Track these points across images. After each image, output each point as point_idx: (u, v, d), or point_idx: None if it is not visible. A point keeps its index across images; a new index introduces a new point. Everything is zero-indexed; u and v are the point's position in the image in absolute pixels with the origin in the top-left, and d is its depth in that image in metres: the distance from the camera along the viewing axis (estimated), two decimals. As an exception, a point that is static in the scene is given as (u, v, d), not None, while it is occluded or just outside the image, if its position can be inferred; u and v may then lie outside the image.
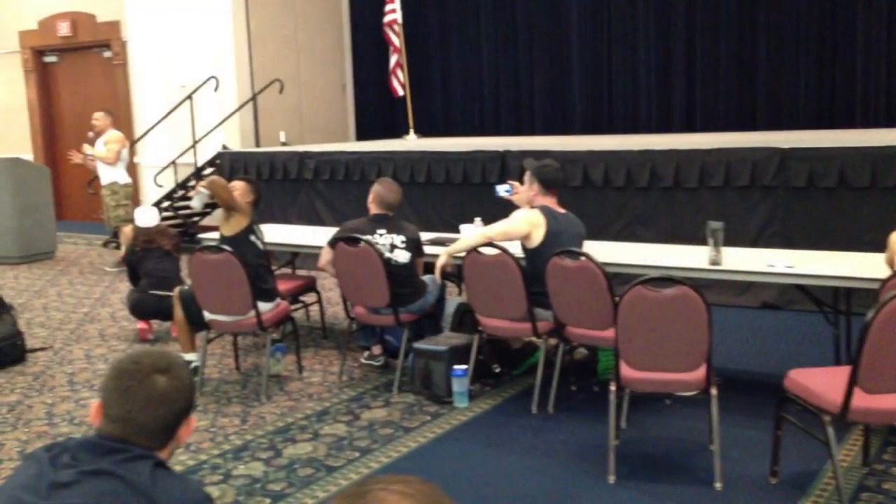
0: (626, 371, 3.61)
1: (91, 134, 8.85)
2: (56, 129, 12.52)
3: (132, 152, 11.05)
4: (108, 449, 1.64)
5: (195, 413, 1.59)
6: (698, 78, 9.87)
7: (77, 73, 12.51)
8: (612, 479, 3.59)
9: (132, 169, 11.20)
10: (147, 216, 6.25)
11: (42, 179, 9.51)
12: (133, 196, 9.16)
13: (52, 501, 1.56)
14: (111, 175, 8.67)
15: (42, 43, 12.43)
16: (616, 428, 3.71)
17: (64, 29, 12.01)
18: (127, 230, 8.71)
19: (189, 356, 5.02)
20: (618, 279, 4.33)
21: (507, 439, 4.13)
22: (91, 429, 1.79)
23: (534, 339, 4.76)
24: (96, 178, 10.49)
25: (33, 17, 12.30)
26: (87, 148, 8.71)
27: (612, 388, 3.64)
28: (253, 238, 4.88)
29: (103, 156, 8.59)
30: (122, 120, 11.70)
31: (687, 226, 6.33)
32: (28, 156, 11.42)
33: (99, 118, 8.76)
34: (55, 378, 5.27)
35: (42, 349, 5.87)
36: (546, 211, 4.48)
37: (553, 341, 4.57)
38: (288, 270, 6.34)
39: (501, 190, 4.96)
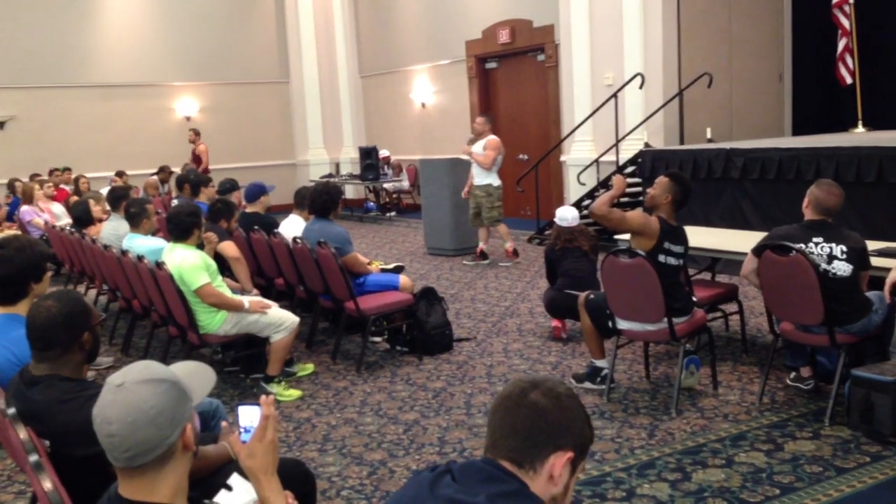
0: None
1: (472, 136, 9.45)
2: (493, 130, 13.33)
3: (559, 151, 11.41)
4: (488, 476, 1.54)
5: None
6: None
7: (513, 77, 13.27)
8: None
9: (559, 168, 11.59)
10: (568, 215, 6.28)
11: (476, 178, 10.18)
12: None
13: None
14: (486, 178, 9.16)
15: (484, 51, 13.41)
16: None
17: (504, 36, 12.82)
18: (502, 229, 9.17)
19: (599, 363, 4.92)
20: None
21: (975, 503, 3.35)
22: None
23: None
24: (523, 177, 11.03)
25: (478, 27, 13.32)
26: (466, 150, 9.30)
27: None
28: (662, 258, 4.50)
29: (481, 160, 9.08)
30: (551, 120, 12.16)
31: None
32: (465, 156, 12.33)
33: (480, 123, 9.34)
34: (475, 369, 5.53)
35: (466, 339, 6.22)
36: None
37: None
38: (707, 276, 5.94)
39: (978, 193, 4.11)
